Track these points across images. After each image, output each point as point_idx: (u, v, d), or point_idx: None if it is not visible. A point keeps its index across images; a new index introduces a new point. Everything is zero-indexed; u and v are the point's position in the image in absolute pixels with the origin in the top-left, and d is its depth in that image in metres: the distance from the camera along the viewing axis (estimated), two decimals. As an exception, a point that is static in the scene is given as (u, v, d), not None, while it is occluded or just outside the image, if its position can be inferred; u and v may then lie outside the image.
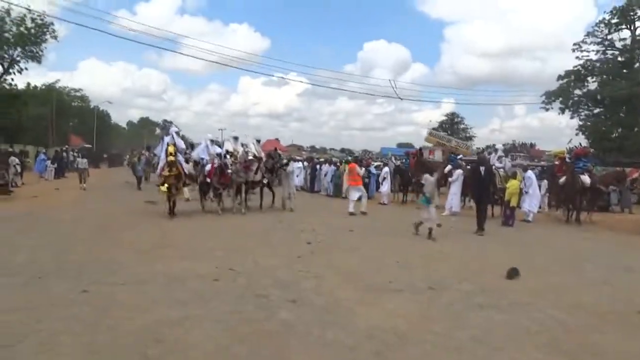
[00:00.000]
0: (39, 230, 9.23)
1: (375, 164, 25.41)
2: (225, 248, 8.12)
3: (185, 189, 13.27)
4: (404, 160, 19.98)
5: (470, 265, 7.51)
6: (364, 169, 19.18)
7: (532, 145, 65.38)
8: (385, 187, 17.45)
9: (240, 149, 13.25)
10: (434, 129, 67.23)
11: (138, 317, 4.67)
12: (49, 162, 24.16)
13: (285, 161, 14.46)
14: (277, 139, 57.51)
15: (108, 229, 9.69)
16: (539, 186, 14.98)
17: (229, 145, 13.42)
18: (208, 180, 12.45)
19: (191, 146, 14.06)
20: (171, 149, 11.21)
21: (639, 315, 5.31)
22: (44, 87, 44.87)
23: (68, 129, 48.73)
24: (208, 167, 12.42)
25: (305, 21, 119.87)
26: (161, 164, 11.74)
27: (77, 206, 13.31)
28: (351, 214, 13.12)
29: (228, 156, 12.67)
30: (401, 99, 25.42)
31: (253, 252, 7.88)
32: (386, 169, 18.15)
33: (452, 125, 68.18)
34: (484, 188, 11.10)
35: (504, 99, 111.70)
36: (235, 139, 13.89)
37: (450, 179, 14.96)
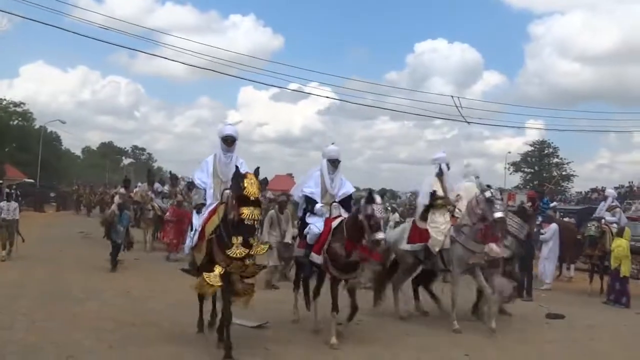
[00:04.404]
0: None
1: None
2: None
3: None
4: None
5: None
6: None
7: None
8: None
9: (464, 184, 9.97)
10: (513, 163, 67.44)
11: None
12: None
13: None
14: (289, 175, 58.11)
15: (59, 299, 9.93)
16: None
17: (434, 184, 9.93)
18: (315, 256, 8.22)
19: None
20: (253, 186, 6.70)
21: None
22: (-27, 99, 46.65)
23: (3, 157, 50.19)
24: (317, 227, 8.39)
25: (332, 12, 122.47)
26: (200, 217, 7.62)
27: (13, 268, 13.61)
28: None
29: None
30: (468, 122, 25.30)
31: (264, 339, 8.03)
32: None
33: (540, 158, 68.12)
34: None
35: (617, 122, 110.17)
36: (438, 165, 10.12)
37: (542, 238, 14.75)
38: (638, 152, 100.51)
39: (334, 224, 8.14)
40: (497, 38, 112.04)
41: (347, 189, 8.90)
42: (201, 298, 7.79)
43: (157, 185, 20.62)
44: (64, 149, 74.91)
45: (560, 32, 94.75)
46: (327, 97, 57.79)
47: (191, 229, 7.73)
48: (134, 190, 21.19)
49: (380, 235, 7.46)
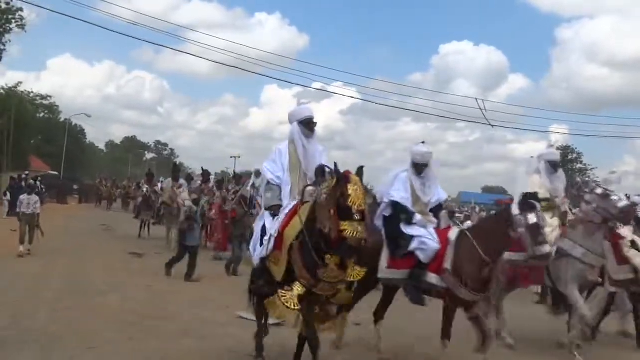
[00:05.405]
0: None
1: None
2: (241, 323, 8.20)
3: None
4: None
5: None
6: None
7: (684, 198, 63.45)
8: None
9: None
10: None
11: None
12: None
13: None
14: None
15: (80, 291, 10.05)
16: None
17: (535, 183, 8.62)
18: (434, 277, 6.64)
19: None
20: (358, 194, 5.02)
21: None
22: (1, 91, 46.95)
23: (29, 149, 50.75)
24: (434, 241, 6.79)
25: (357, 12, 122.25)
26: (276, 221, 5.91)
27: (37, 260, 13.72)
28: None
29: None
30: (492, 125, 24.94)
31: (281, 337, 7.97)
32: (468, 224, 17.95)
33: (564, 163, 67.13)
34: None
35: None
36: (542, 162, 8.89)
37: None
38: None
39: (452, 235, 6.71)
40: (524, 41, 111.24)
41: (441, 195, 7.34)
42: (260, 316, 6.36)
43: (182, 181, 20.54)
44: (88, 142, 76.16)
45: (589, 37, 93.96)
46: (351, 97, 57.73)
47: (263, 234, 5.97)
48: (159, 186, 21.22)
49: (547, 248, 6.48)
